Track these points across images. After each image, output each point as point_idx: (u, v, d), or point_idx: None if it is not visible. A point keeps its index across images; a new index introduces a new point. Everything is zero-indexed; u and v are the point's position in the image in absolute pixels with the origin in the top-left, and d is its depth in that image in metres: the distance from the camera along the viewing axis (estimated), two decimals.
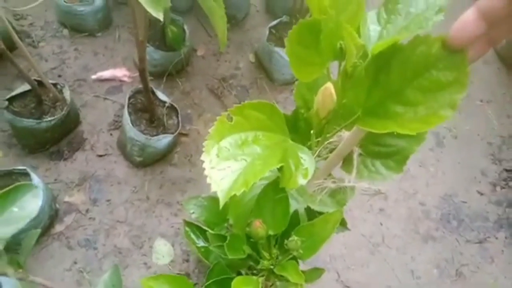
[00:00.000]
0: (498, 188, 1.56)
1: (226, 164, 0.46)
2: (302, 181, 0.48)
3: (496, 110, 1.77)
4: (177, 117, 1.38)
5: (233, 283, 0.55)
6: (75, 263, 1.23)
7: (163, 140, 1.32)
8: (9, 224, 0.58)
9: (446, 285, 1.36)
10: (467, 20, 0.32)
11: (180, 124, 1.37)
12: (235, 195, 0.68)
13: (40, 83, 1.26)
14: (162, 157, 1.42)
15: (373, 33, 0.36)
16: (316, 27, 0.37)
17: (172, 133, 1.34)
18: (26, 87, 1.27)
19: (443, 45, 0.34)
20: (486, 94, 1.81)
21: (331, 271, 1.32)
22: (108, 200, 1.34)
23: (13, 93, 1.27)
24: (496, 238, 1.47)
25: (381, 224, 1.43)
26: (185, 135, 1.49)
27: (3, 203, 0.57)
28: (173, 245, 1.29)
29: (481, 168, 1.61)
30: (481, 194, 1.55)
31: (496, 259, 1.42)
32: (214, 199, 0.99)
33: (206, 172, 0.45)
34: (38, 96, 1.27)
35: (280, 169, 0.54)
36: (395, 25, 0.35)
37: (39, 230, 0.71)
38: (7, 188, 0.58)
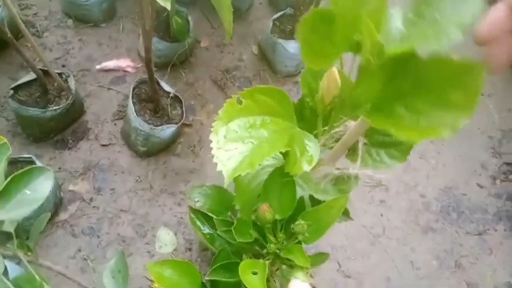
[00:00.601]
0: (498, 181, 1.58)
1: (233, 146, 0.47)
2: (306, 167, 0.48)
3: (497, 104, 1.77)
4: (181, 107, 1.39)
5: (240, 266, 0.56)
6: (79, 250, 1.25)
7: (167, 130, 1.33)
8: (22, 206, 0.59)
9: (445, 276, 1.38)
10: (497, 15, 0.32)
11: (184, 115, 1.37)
12: (242, 182, 0.69)
13: (46, 73, 1.27)
14: (166, 147, 1.43)
15: (395, 31, 0.35)
16: (331, 16, 0.37)
17: (176, 123, 1.34)
18: (31, 76, 1.28)
19: (461, 66, 0.34)
20: (487, 87, 1.81)
21: (332, 261, 1.34)
22: (112, 189, 1.35)
23: (19, 82, 1.27)
24: (495, 230, 1.48)
25: (382, 216, 1.45)
26: (188, 125, 1.50)
27: (16, 186, 0.58)
28: (176, 234, 1.31)
29: (481, 161, 1.62)
30: (481, 187, 1.56)
31: (495, 250, 1.44)
32: (218, 188, 1.00)
33: (213, 152, 0.46)
34: (43, 86, 1.28)
35: (285, 155, 0.55)
36: (418, 29, 0.35)
37: (49, 214, 0.72)
38: (21, 171, 0.59)
